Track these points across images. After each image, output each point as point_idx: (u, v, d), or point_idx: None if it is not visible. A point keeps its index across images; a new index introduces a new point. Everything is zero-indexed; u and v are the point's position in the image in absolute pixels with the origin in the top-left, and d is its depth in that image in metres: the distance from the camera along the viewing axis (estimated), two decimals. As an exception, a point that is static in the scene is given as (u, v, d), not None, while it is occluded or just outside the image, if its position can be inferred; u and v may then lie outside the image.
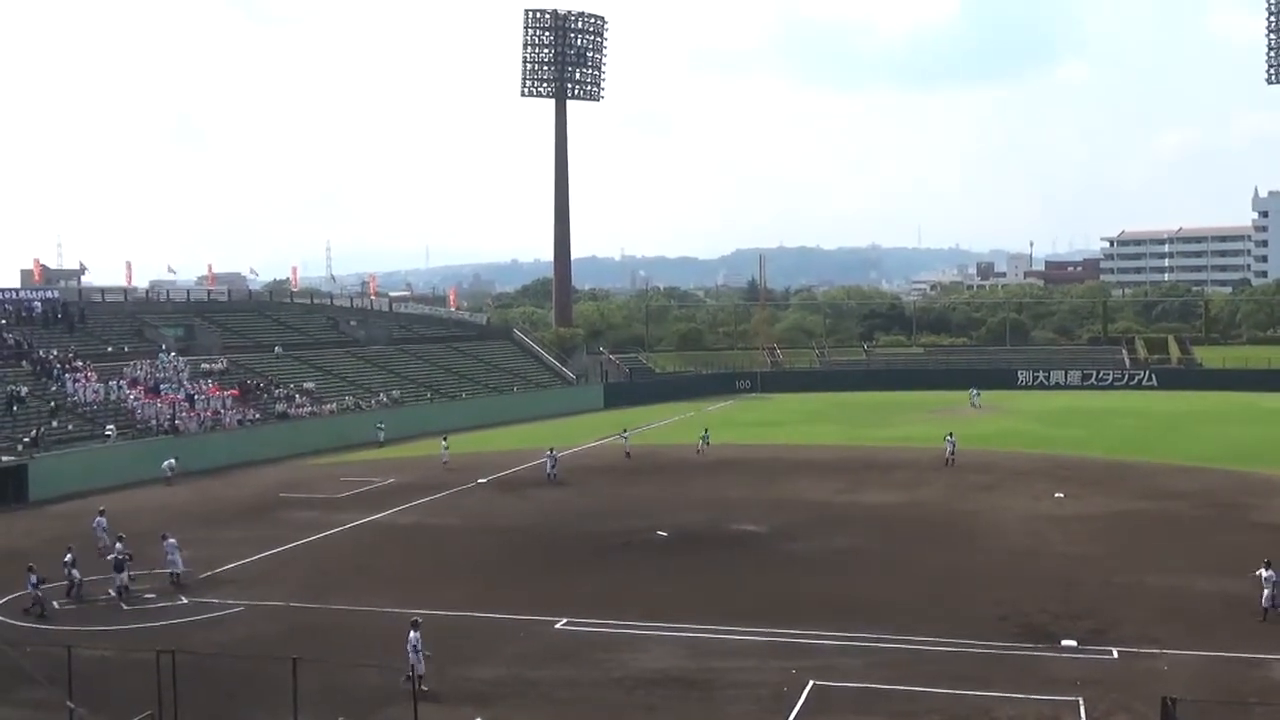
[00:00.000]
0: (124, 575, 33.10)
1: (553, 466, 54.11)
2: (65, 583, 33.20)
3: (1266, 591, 28.85)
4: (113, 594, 33.03)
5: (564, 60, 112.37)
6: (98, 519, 40.13)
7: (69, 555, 33.65)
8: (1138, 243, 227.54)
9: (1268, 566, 29.13)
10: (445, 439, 60.79)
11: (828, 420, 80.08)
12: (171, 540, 35.41)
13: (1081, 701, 23.11)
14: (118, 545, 34.77)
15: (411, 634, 24.49)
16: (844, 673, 25.43)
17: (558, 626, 29.60)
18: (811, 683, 24.60)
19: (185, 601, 32.87)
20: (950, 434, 58.01)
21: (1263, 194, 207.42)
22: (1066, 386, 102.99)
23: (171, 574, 34.89)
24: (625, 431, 64.90)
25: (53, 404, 60.16)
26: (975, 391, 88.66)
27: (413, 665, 23.98)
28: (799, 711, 23.17)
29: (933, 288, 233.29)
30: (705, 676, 25.39)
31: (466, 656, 26.48)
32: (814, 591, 32.81)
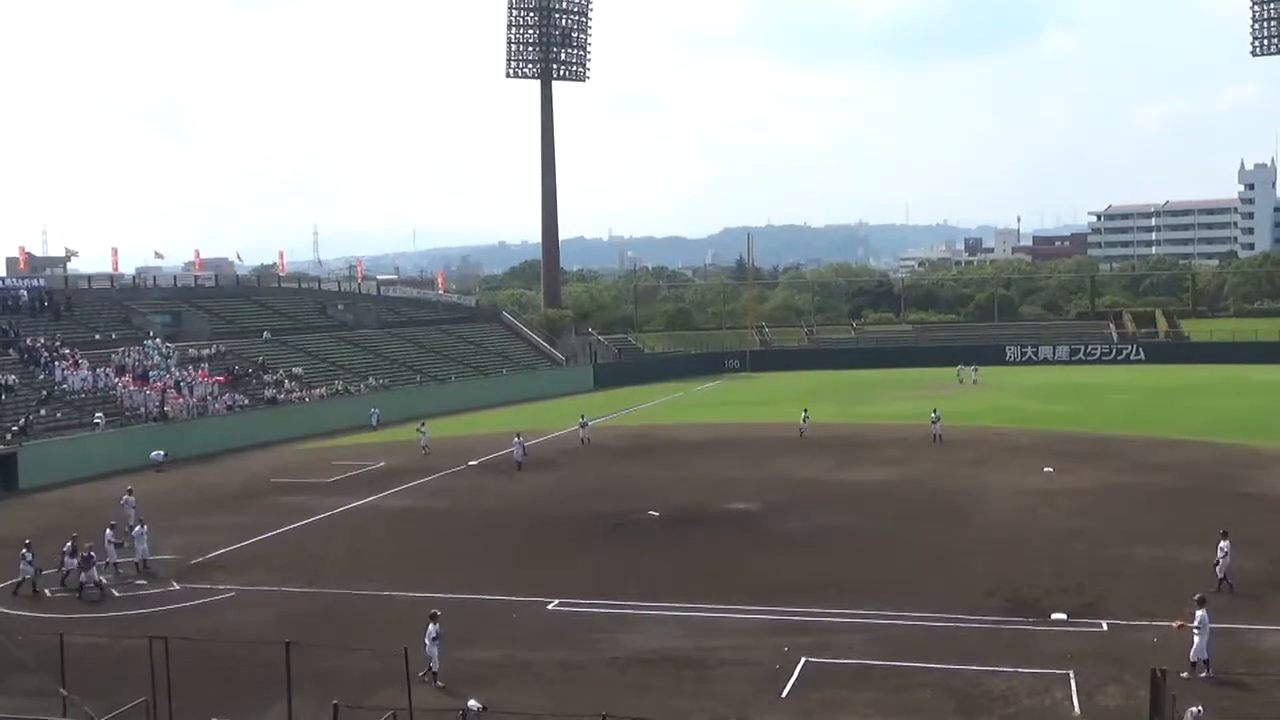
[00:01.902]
0: (92, 571, 32.62)
1: (522, 454, 53.02)
2: (61, 570, 33.16)
3: (1222, 561, 29.02)
4: (92, 585, 32.80)
5: (549, 41, 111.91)
6: (126, 498, 40.03)
7: (69, 544, 33.55)
8: (1125, 216, 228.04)
9: (1224, 537, 29.32)
10: (423, 425, 60.04)
11: (817, 398, 79.90)
12: (142, 528, 35.39)
13: (1072, 674, 23.24)
14: (108, 533, 34.67)
15: (430, 626, 24.13)
16: (836, 649, 25.53)
17: (551, 607, 29.66)
18: (804, 660, 24.70)
19: (177, 587, 32.84)
20: (935, 410, 58.14)
21: (1249, 166, 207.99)
22: (1055, 361, 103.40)
23: (140, 561, 34.89)
24: (584, 417, 62.46)
25: (43, 392, 59.97)
26: (974, 369, 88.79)
27: (429, 658, 23.78)
28: (792, 688, 23.26)
29: (921, 264, 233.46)
30: (698, 655, 25.47)
31: (460, 638, 26.47)
32: (806, 569, 32.89)
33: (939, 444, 55.18)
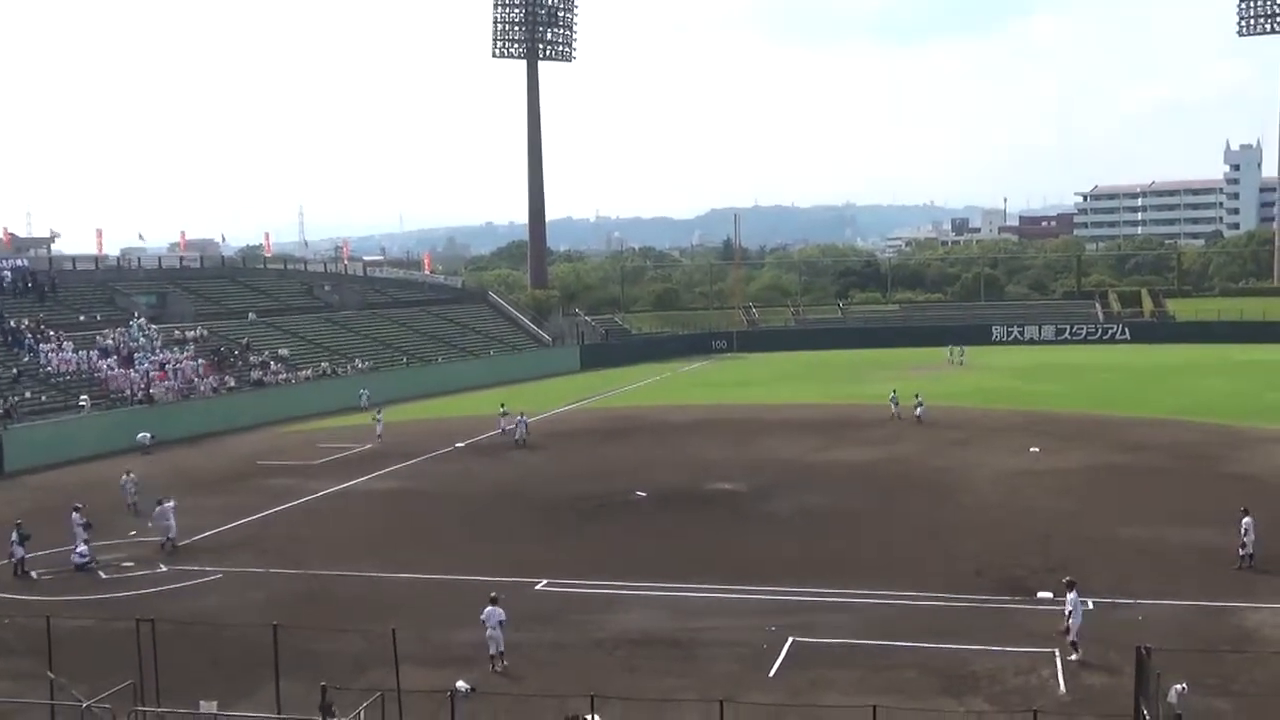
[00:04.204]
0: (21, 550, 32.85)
1: (524, 433, 53.83)
2: (12, 560, 32.88)
3: (1249, 537, 29.20)
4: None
5: (535, 20, 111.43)
6: (124, 479, 40.36)
7: (14, 533, 33.46)
8: (1111, 197, 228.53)
9: (1245, 514, 29.48)
10: (379, 411, 58.87)
11: (804, 379, 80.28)
12: (170, 504, 35.35)
13: (1058, 653, 23.36)
14: (74, 515, 34.49)
15: (494, 609, 23.99)
16: (823, 629, 25.62)
17: (538, 588, 29.69)
18: (791, 639, 24.78)
19: (164, 570, 32.79)
20: (917, 395, 58.27)
21: (1234, 147, 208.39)
22: (1041, 341, 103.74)
23: (165, 539, 34.87)
24: (503, 407, 58.28)
25: (15, 371, 59.66)
26: (961, 350, 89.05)
27: (496, 641, 23.86)
28: (779, 668, 23.36)
29: (907, 244, 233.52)
30: (686, 635, 25.54)
31: (448, 620, 26.55)
32: (792, 549, 32.98)
33: (921, 423, 55.29)
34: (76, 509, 34.86)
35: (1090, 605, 26.59)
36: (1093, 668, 22.76)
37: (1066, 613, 23.45)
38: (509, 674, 23.43)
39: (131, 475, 40.96)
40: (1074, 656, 23.14)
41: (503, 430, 55.90)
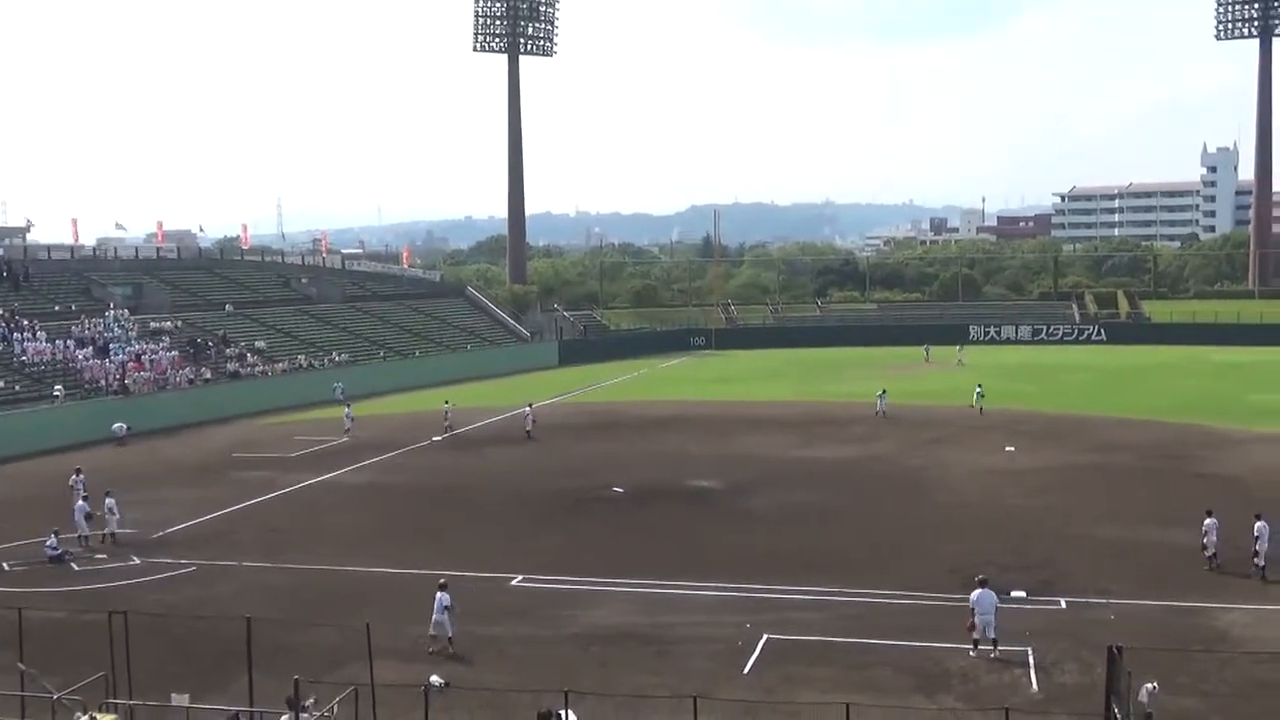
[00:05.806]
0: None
1: (532, 424, 54.41)
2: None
3: (1210, 538, 29.41)
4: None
5: (516, 15, 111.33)
6: (74, 478, 39.56)
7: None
8: (1088, 198, 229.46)
9: (1208, 515, 29.69)
10: (349, 405, 58.58)
11: (782, 376, 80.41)
12: (110, 500, 35.20)
13: (1031, 651, 23.47)
14: (80, 505, 34.52)
15: (440, 595, 24.42)
16: (798, 626, 25.66)
17: (513, 583, 29.66)
18: (766, 636, 24.82)
19: (138, 562, 32.62)
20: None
21: (1211, 149, 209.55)
22: (1018, 341, 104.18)
23: (108, 532, 34.73)
24: (448, 404, 58.25)
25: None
26: (960, 348, 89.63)
27: (441, 626, 24.34)
28: (753, 664, 23.39)
29: (886, 243, 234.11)
30: (661, 632, 25.54)
31: (423, 614, 26.43)
32: (768, 546, 33.02)
33: (883, 420, 56.24)
34: (85, 498, 35.11)
35: (1063, 605, 26.83)
36: (1065, 666, 22.87)
37: (970, 609, 23.61)
38: (468, 663, 23.40)
39: (81, 475, 39.70)
40: (973, 653, 23.36)
41: (448, 429, 55.70)
